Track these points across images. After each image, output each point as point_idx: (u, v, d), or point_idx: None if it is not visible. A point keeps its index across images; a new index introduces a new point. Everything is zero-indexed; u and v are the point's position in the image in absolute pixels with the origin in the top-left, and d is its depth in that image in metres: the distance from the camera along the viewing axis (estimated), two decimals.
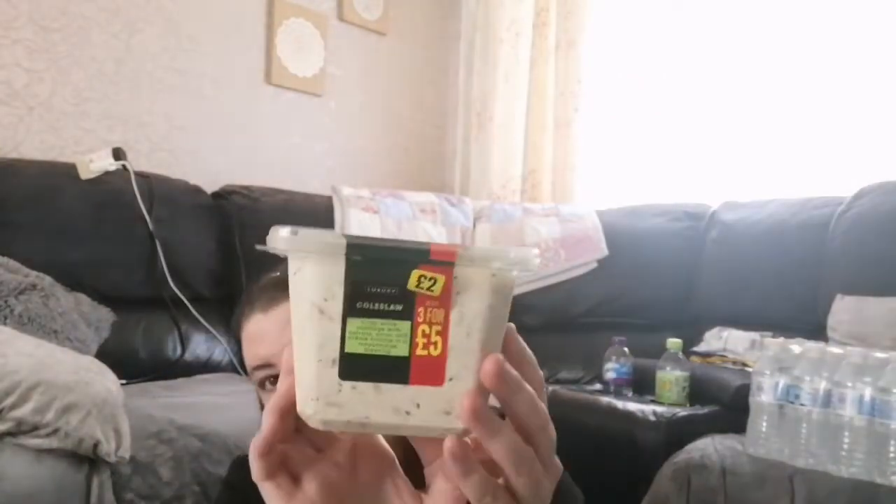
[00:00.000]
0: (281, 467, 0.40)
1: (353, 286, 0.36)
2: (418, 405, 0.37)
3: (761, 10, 2.73)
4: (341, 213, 2.61)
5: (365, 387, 0.37)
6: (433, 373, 0.37)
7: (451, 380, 0.37)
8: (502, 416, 0.38)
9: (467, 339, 0.37)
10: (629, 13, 2.99)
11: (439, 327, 0.37)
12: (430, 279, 0.36)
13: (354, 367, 0.37)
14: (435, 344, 0.37)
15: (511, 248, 0.38)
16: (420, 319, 0.37)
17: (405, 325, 0.37)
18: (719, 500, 1.55)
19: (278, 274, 0.76)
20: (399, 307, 0.36)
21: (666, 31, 2.96)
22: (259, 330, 0.74)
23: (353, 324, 0.37)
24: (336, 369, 0.37)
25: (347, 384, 0.37)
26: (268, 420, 0.39)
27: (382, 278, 0.36)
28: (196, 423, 1.62)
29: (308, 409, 0.38)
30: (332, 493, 0.41)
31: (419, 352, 0.37)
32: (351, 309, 0.36)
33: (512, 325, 0.40)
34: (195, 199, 2.48)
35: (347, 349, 0.37)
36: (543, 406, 0.39)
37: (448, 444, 0.36)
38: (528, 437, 0.38)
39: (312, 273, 0.37)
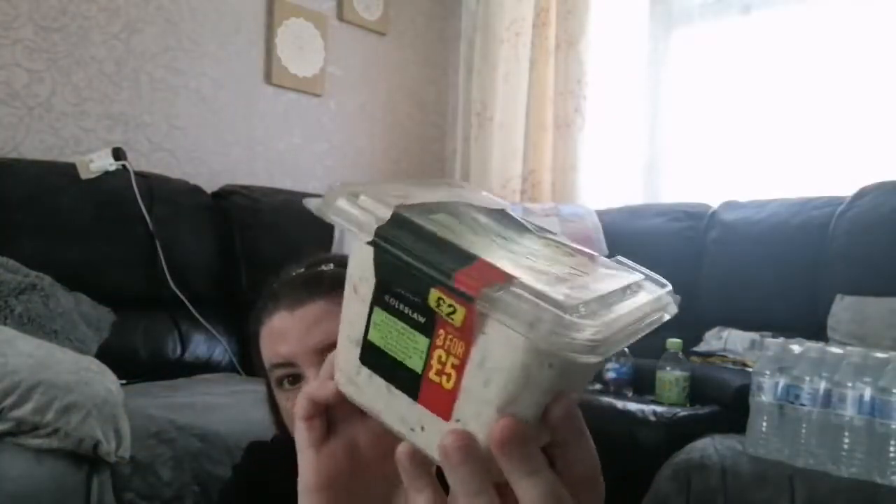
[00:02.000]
0: (321, 412, 0.40)
1: (380, 280, 0.33)
2: (423, 427, 0.33)
3: (760, 10, 2.73)
4: None
5: (380, 382, 0.35)
6: (441, 405, 0.32)
7: (457, 421, 0.32)
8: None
9: (484, 388, 0.31)
10: (629, 12, 2.98)
11: (457, 360, 0.31)
12: (450, 306, 0.31)
13: (373, 357, 0.35)
14: (448, 376, 0.32)
15: (571, 306, 0.29)
16: (439, 343, 0.32)
17: (423, 341, 0.32)
18: (719, 500, 1.55)
19: (303, 270, 0.76)
20: (422, 319, 0.32)
21: (666, 32, 2.96)
22: (283, 328, 0.72)
23: (379, 315, 0.34)
24: (358, 351, 0.35)
25: (366, 370, 0.35)
26: (325, 384, 0.39)
27: (406, 284, 0.32)
28: (196, 423, 1.62)
29: (335, 376, 0.38)
30: (355, 460, 0.41)
31: (432, 376, 0.32)
32: (378, 299, 0.34)
33: (575, 395, 0.33)
34: (195, 199, 2.48)
35: (369, 337, 0.35)
36: None
37: (400, 448, 0.34)
38: None
39: (356, 249, 0.35)
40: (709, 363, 2.13)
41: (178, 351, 2.27)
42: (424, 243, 0.32)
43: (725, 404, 1.88)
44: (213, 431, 1.61)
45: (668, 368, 1.98)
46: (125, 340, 2.12)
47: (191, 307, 2.31)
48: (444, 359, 0.32)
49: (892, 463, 1.39)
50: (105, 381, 1.48)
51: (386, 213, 0.33)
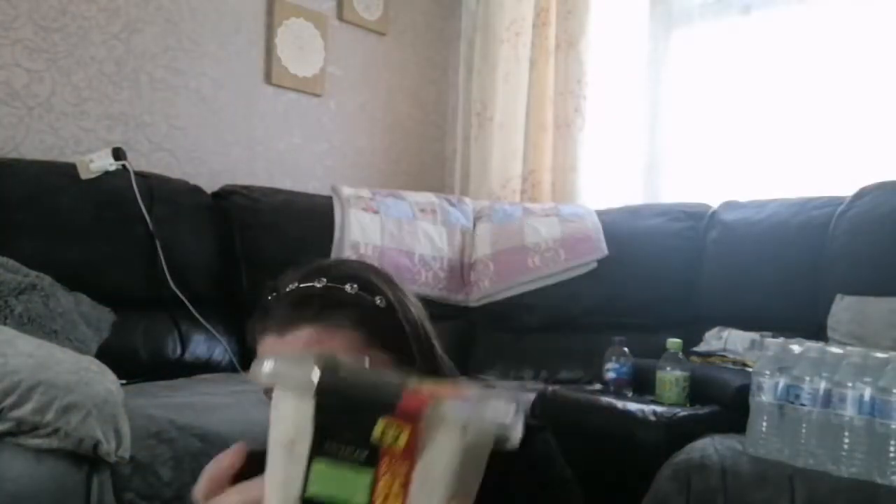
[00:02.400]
0: None
1: (320, 429, 0.36)
2: None
3: (760, 10, 2.73)
4: (341, 213, 2.61)
5: None
6: None
7: None
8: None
9: (429, 500, 0.36)
10: (629, 13, 2.98)
11: (402, 479, 0.36)
12: (396, 431, 0.36)
13: None
14: (396, 496, 0.36)
15: (489, 405, 0.36)
16: (383, 470, 0.36)
17: (367, 475, 0.36)
18: (719, 500, 1.54)
19: (297, 284, 0.75)
20: (364, 453, 0.36)
21: (666, 32, 2.96)
22: (273, 353, 0.72)
23: (318, 466, 0.36)
24: None
25: None
26: None
27: (350, 423, 0.36)
28: (196, 423, 1.61)
29: None
30: None
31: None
32: (318, 450, 0.36)
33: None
34: (195, 199, 2.48)
35: (308, 493, 0.36)
36: None
37: None
38: None
39: (285, 410, 0.37)
40: (709, 363, 2.13)
41: (178, 351, 2.27)
42: (359, 385, 0.36)
43: (725, 404, 1.88)
44: (213, 431, 1.61)
45: (668, 368, 1.98)
46: (125, 340, 2.12)
47: (191, 307, 2.31)
48: (390, 482, 0.36)
49: (892, 463, 1.39)
50: (105, 381, 1.48)
51: (311, 366, 0.37)
